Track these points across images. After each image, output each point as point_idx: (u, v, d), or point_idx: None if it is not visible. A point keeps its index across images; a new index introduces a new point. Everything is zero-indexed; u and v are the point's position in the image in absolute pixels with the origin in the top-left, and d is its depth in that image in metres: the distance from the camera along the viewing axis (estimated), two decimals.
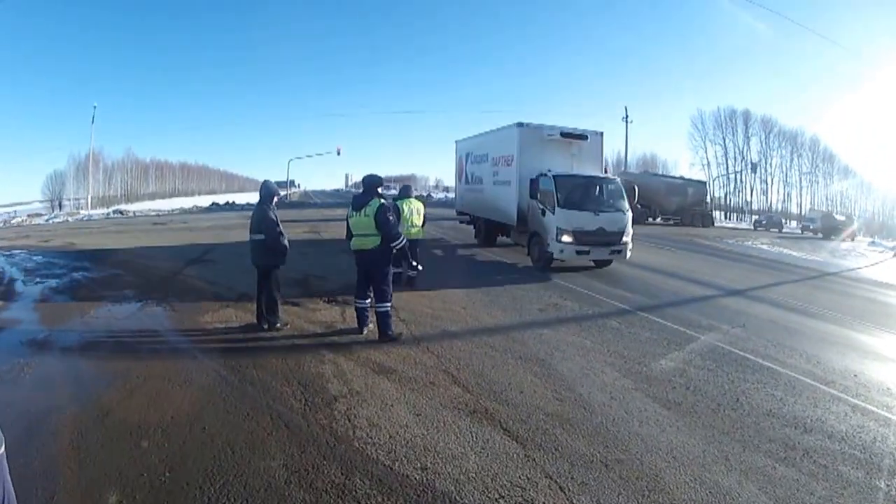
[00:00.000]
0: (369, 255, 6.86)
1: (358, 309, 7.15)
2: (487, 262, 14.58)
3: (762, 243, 28.80)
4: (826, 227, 45.23)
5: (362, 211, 6.75)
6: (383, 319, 6.85)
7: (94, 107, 52.51)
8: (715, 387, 5.75)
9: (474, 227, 18.76)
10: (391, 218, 6.81)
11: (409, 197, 10.59)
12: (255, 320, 7.30)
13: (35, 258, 13.60)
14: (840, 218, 47.19)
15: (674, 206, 37.20)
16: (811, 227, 46.06)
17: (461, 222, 20.02)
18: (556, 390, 5.53)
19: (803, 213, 67.88)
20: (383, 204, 6.77)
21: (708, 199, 47.63)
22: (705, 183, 50.66)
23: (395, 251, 6.85)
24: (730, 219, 69.33)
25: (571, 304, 9.46)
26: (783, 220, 56.19)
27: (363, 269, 7.05)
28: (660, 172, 60.34)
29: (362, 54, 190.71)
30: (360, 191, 7.19)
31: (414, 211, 10.21)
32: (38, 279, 10.60)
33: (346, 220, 7.12)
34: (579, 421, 4.79)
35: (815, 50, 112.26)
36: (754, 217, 61.04)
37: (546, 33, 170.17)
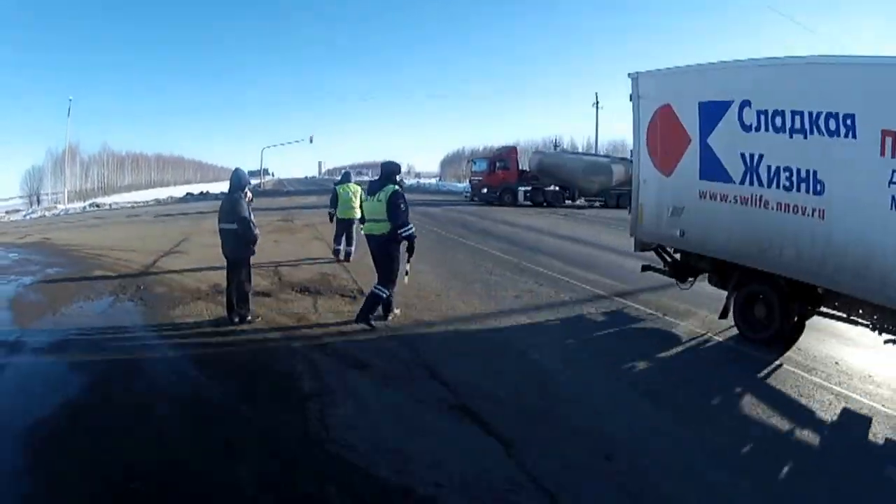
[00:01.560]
0: (377, 240, 6.82)
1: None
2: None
3: None
4: None
5: (376, 196, 6.73)
6: (371, 300, 6.91)
7: (70, 100, 51.16)
8: (701, 378, 5.61)
9: (733, 305, 7.01)
10: (402, 205, 6.67)
11: (349, 182, 11.95)
12: (225, 314, 7.05)
13: (10, 255, 13.15)
14: None
15: (596, 186, 35.59)
16: None
17: (645, 269, 8.95)
18: (535, 378, 5.45)
19: None
20: (397, 190, 6.71)
21: None
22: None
23: (401, 238, 6.80)
24: None
25: (547, 290, 9.31)
26: None
27: (373, 254, 7.03)
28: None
29: (334, 36, 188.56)
30: (377, 177, 7.21)
31: (351, 194, 11.51)
32: (11, 276, 10.19)
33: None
34: (565, 417, 4.63)
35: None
36: None
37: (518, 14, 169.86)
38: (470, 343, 6.53)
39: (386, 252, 6.84)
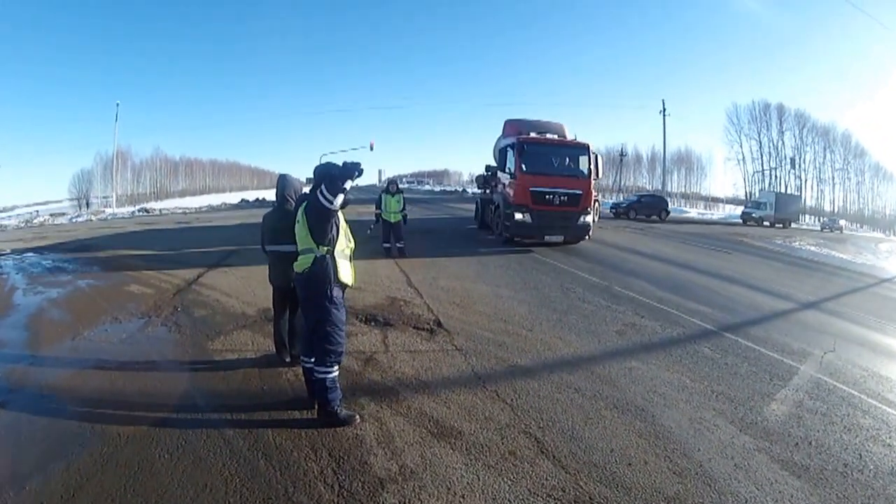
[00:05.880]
0: (302, 282, 4.51)
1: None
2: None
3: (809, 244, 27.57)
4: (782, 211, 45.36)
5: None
6: (320, 389, 4.36)
7: (118, 105, 53.55)
8: (834, 440, 4.74)
9: None
10: (325, 218, 4.57)
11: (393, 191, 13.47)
12: (274, 349, 5.81)
13: (44, 263, 12.32)
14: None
15: None
16: (754, 214, 46.29)
17: None
18: (670, 458, 4.15)
19: (836, 210, 66.24)
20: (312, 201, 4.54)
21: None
22: None
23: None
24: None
25: (651, 325, 7.90)
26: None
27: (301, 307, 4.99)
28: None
29: (392, 46, 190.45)
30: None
31: (394, 200, 13.24)
32: (39, 288, 9.28)
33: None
34: None
35: (845, 42, 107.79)
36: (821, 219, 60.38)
37: (571, 24, 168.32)
38: (579, 399, 5.14)
39: (314, 303, 4.35)
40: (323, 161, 5.05)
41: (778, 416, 5.13)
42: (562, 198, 15.46)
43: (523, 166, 15.58)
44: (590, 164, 16.07)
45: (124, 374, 5.36)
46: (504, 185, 16.65)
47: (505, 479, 3.70)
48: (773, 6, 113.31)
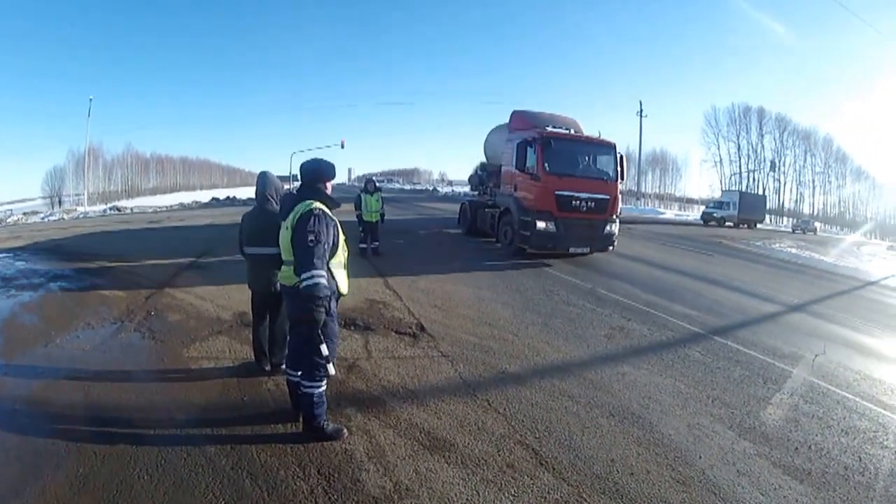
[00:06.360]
0: (292, 296, 4.13)
1: None
2: None
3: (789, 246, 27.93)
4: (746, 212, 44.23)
5: (286, 221, 4.24)
6: (307, 405, 4.11)
7: (91, 100, 51.69)
8: (833, 443, 4.75)
9: None
10: (311, 236, 3.95)
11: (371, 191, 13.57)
12: (252, 357, 5.53)
13: (17, 264, 11.67)
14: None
15: None
16: (716, 214, 44.84)
17: None
18: (672, 466, 4.03)
19: (815, 213, 67.20)
20: (312, 210, 4.03)
21: None
22: None
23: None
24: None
25: (639, 328, 7.80)
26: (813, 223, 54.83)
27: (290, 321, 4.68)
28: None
29: (364, 44, 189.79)
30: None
31: (373, 200, 13.38)
32: (12, 290, 8.80)
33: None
34: None
35: (832, 47, 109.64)
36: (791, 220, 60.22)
37: (553, 24, 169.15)
38: (574, 407, 4.97)
39: (303, 318, 3.86)
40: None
41: (775, 420, 5.08)
42: (589, 204, 13.21)
43: (547, 166, 13.08)
44: (617, 165, 13.89)
45: (98, 384, 5.00)
46: (517, 186, 14.14)
47: (506, 495, 3.52)
48: (757, 10, 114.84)
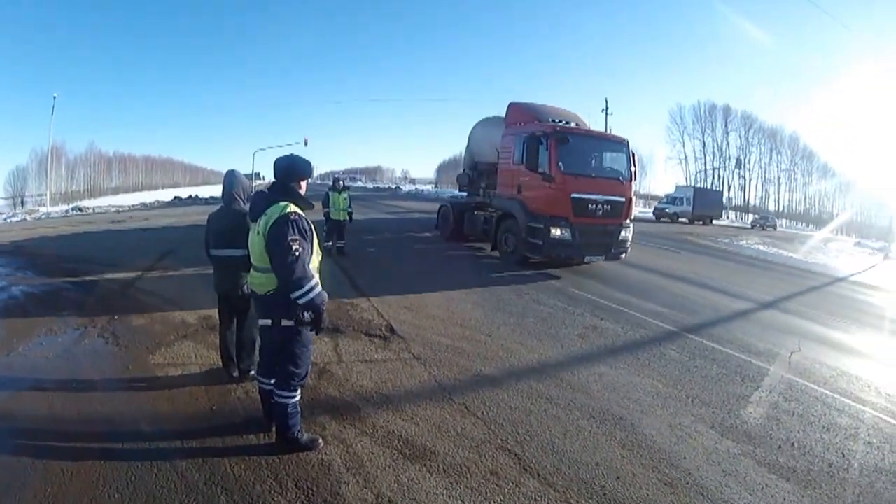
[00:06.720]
0: (265, 304, 3.93)
1: None
2: None
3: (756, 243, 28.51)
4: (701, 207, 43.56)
5: (257, 224, 3.97)
6: (280, 415, 3.95)
7: (55, 97, 49.68)
8: (815, 440, 4.78)
9: None
10: (292, 243, 3.72)
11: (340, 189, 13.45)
12: (220, 363, 5.32)
13: None
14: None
15: None
16: (668, 210, 44.24)
17: None
18: (657, 469, 4.00)
19: (781, 209, 68.49)
20: (287, 215, 3.77)
21: None
22: None
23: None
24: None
25: (612, 327, 7.79)
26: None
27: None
28: None
29: (324, 40, 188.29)
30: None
31: (341, 199, 13.31)
32: None
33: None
34: None
35: (799, 43, 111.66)
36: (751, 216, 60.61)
37: (519, 19, 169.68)
38: (554, 410, 4.89)
39: (281, 326, 3.80)
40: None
41: (756, 418, 5.08)
42: (605, 207, 11.87)
43: (561, 165, 11.59)
44: (630, 163, 12.62)
45: (63, 395, 4.72)
46: (521, 187, 12.56)
47: (490, 502, 3.40)
48: (725, 5, 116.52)
